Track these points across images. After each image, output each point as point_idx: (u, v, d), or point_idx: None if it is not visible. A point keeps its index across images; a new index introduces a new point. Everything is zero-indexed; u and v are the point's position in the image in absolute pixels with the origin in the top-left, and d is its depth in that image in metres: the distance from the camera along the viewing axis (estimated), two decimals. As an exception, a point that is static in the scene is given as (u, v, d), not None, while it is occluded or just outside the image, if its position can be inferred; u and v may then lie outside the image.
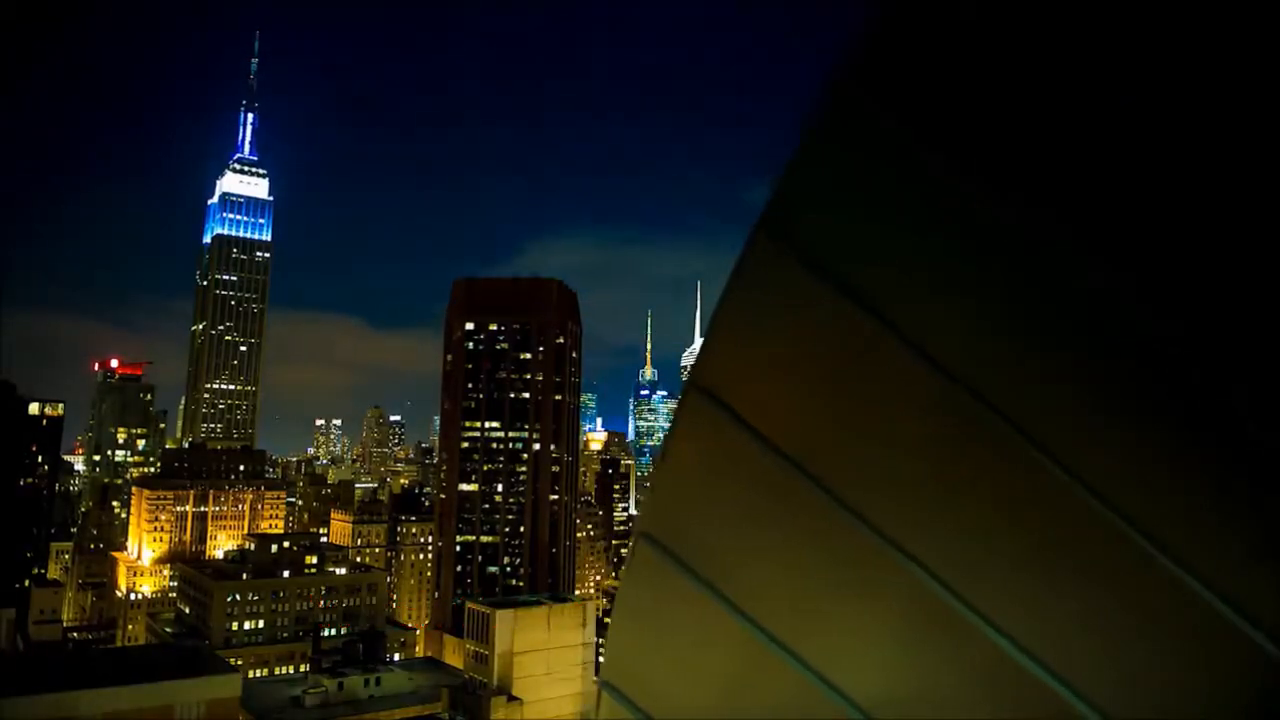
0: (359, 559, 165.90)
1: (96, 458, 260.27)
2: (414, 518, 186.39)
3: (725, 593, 2.97)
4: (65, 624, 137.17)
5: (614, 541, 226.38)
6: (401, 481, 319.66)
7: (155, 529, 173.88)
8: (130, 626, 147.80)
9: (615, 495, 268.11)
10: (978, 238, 2.45)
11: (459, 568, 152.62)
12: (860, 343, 2.59)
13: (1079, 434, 2.54)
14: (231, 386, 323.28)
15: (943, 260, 2.50)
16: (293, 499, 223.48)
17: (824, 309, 2.60)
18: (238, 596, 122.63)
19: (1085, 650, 2.75)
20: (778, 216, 2.54)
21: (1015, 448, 2.53)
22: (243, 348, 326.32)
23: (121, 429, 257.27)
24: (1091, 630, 2.71)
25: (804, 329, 2.66)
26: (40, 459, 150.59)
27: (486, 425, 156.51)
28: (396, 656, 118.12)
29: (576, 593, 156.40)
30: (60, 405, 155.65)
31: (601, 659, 3.37)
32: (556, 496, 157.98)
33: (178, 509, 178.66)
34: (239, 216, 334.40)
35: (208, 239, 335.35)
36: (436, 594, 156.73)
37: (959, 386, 2.52)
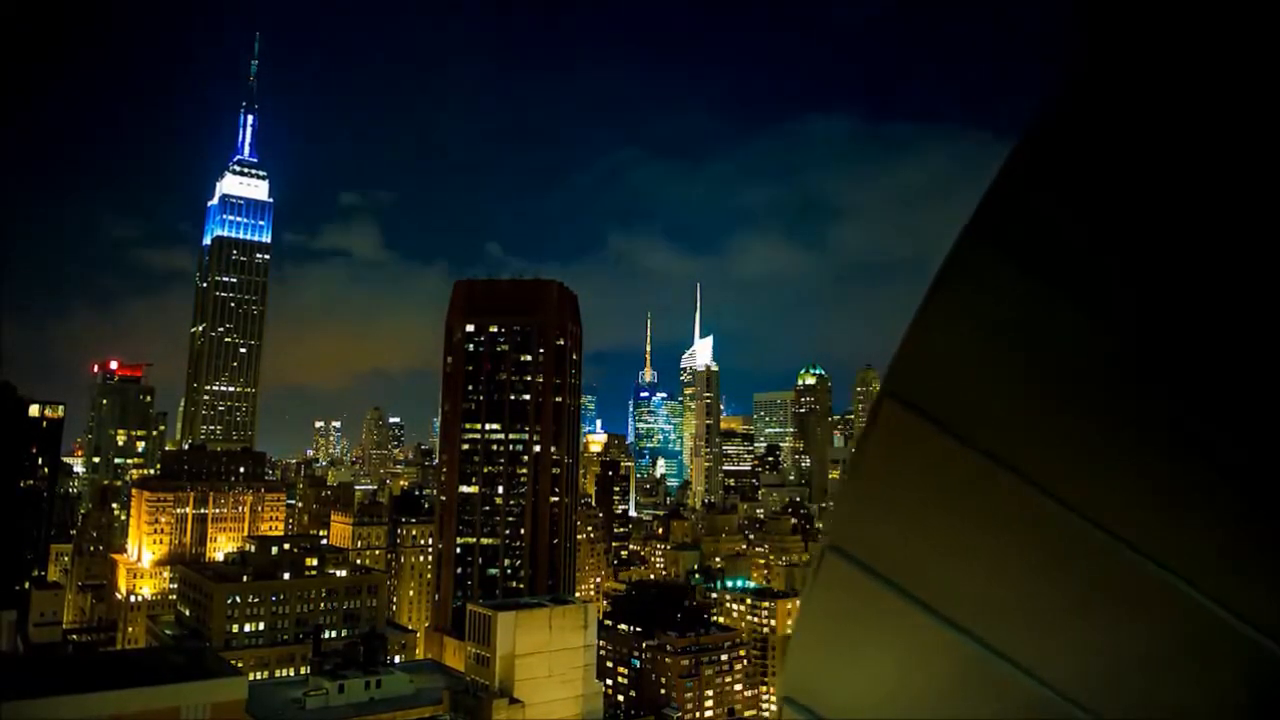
0: (359, 561, 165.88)
1: (96, 459, 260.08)
2: (414, 520, 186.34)
3: (933, 604, 2.92)
4: (65, 626, 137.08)
5: (614, 543, 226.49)
6: (401, 483, 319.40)
7: (155, 531, 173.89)
8: (130, 628, 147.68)
9: (615, 497, 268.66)
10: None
11: (459, 570, 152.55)
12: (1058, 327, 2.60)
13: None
14: (231, 388, 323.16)
15: None
16: (292, 501, 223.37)
17: (1015, 303, 2.60)
18: (238, 598, 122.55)
19: None
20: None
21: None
22: (242, 349, 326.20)
23: (121, 430, 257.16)
24: None
25: (1001, 323, 2.65)
26: (40, 461, 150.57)
27: (487, 427, 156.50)
28: (397, 659, 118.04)
29: (577, 594, 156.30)
30: (60, 407, 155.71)
31: (782, 673, 3.38)
32: (557, 498, 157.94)
33: (177, 511, 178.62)
34: (239, 218, 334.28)
35: (207, 240, 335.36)
36: (437, 596, 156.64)
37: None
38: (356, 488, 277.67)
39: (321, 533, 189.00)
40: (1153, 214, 2.54)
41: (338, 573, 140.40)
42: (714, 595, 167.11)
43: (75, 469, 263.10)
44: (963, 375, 2.75)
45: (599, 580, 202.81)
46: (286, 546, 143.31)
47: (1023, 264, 2.59)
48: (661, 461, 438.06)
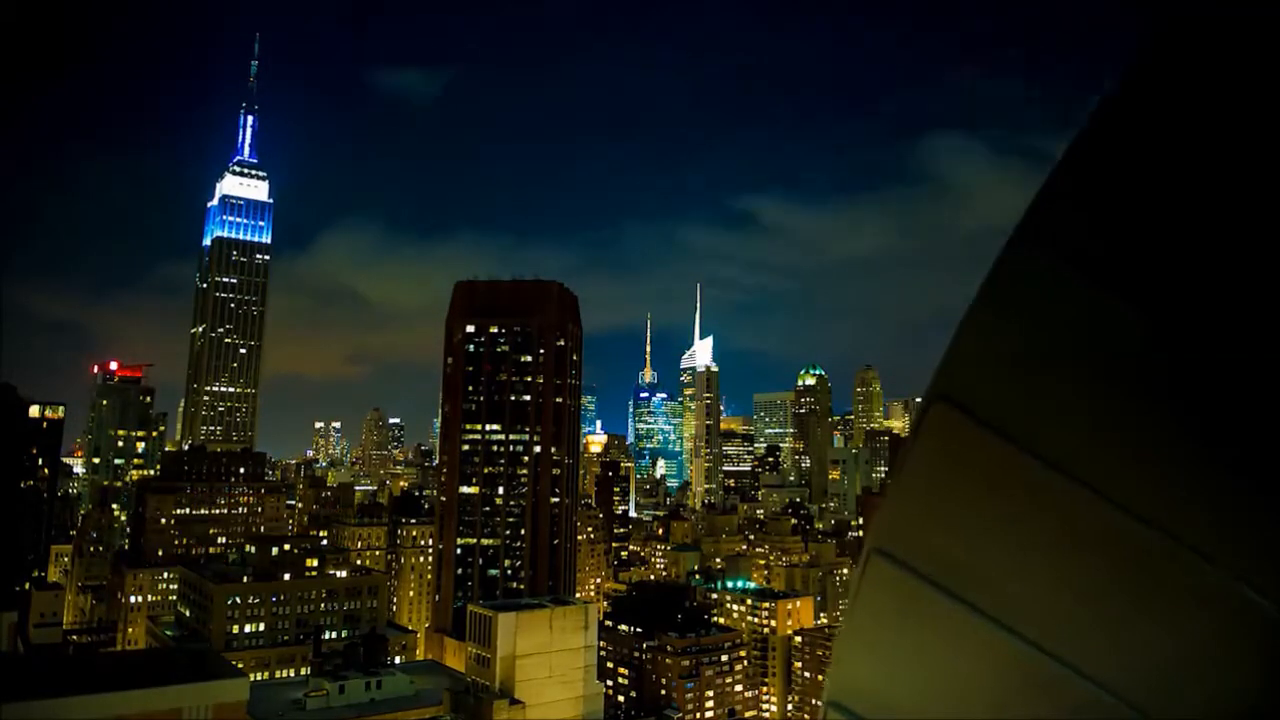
0: (359, 562, 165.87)
1: (96, 460, 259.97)
2: (414, 520, 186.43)
3: (982, 606, 2.89)
4: (65, 627, 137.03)
5: (614, 544, 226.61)
6: (401, 484, 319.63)
7: (155, 531, 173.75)
8: (130, 629, 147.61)
9: (615, 497, 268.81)
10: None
11: (459, 570, 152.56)
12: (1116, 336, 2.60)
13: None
14: (231, 389, 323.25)
15: None
16: (292, 501, 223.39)
17: (1070, 304, 2.59)
18: (238, 599, 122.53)
19: None
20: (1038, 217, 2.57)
21: None
22: (242, 350, 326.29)
23: (121, 431, 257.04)
24: None
25: (1055, 324, 2.65)
26: (40, 461, 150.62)
27: (487, 428, 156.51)
28: (398, 659, 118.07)
29: (577, 595, 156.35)
30: (60, 408, 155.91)
31: (829, 678, 3.39)
32: (557, 499, 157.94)
33: (177, 511, 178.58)
34: (239, 219, 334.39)
35: (207, 241, 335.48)
36: (437, 597, 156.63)
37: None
38: (356, 488, 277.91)
39: (322, 534, 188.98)
40: (1212, 212, 2.52)
41: (338, 573, 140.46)
42: (714, 596, 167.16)
43: (75, 470, 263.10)
44: (1015, 378, 2.74)
45: (599, 581, 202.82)
46: (287, 547, 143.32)
47: (1077, 265, 2.58)
48: (661, 462, 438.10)
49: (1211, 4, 2.46)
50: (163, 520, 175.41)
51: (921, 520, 2.96)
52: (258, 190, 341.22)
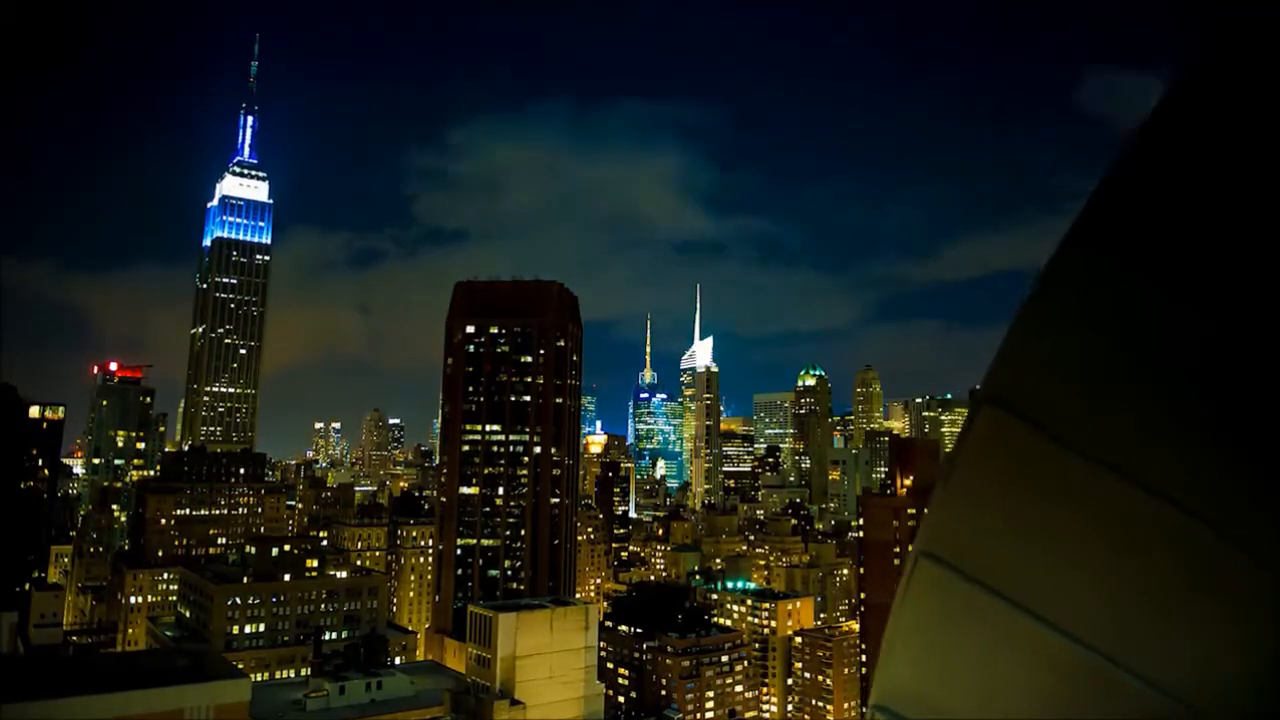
0: (359, 562, 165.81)
1: (96, 461, 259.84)
2: (414, 521, 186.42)
3: (1035, 608, 2.91)
4: (65, 627, 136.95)
5: (614, 544, 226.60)
6: (401, 484, 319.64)
7: (155, 532, 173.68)
8: (130, 630, 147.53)
9: (615, 498, 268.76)
10: None
11: (459, 571, 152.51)
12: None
13: None
14: (231, 389, 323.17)
15: None
16: (292, 502, 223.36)
17: (1125, 305, 2.61)
18: (238, 600, 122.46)
19: None
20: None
21: None
22: (242, 350, 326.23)
23: (121, 432, 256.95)
24: None
25: (1110, 325, 2.67)
26: (40, 462, 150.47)
27: (487, 428, 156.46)
28: (398, 660, 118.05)
29: (577, 596, 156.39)
30: (61, 408, 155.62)
31: (875, 683, 3.41)
32: (557, 500, 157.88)
33: (177, 512, 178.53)
34: (239, 219, 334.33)
35: (207, 242, 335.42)
36: (437, 597, 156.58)
37: None
38: (356, 489, 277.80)
39: (322, 534, 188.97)
40: (1269, 209, 2.51)
41: (338, 574, 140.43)
42: (714, 596, 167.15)
43: (75, 470, 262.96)
44: (1069, 381, 2.75)
45: (599, 581, 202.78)
46: (287, 548, 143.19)
47: (1136, 266, 2.59)
48: (661, 462, 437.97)
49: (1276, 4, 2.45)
50: (163, 521, 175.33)
51: (972, 523, 2.97)
52: (258, 191, 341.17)
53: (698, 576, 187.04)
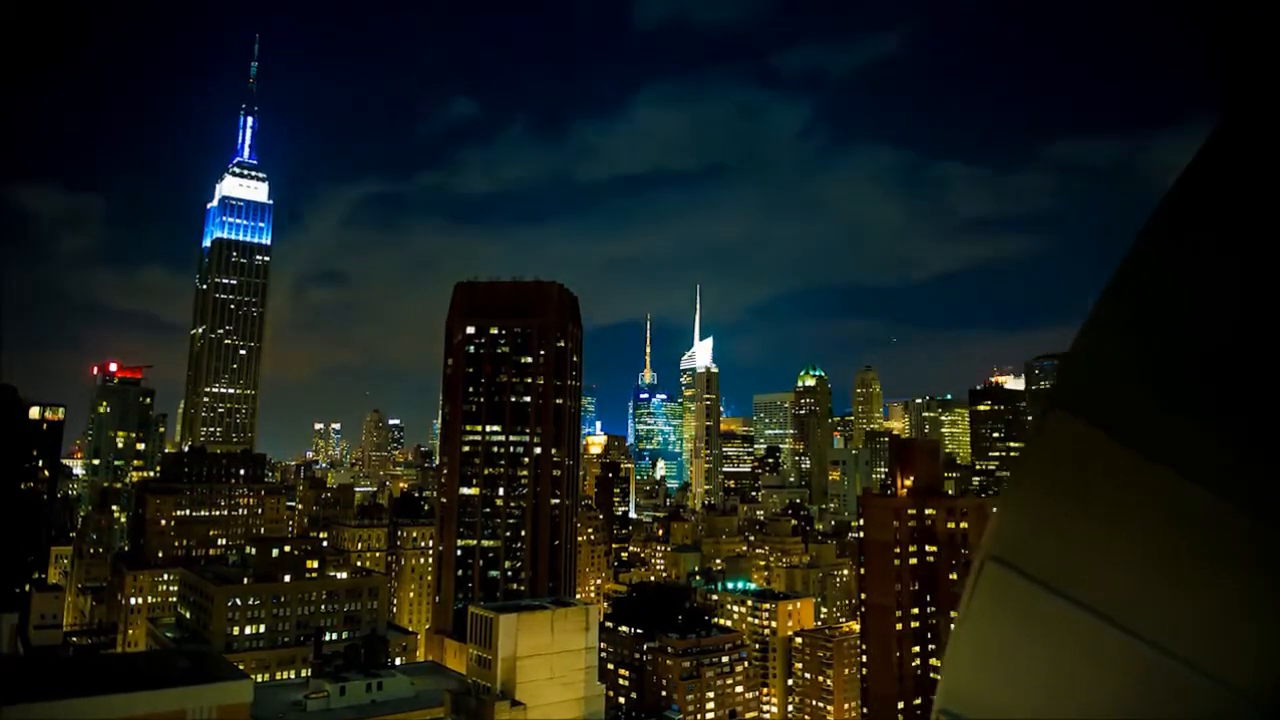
0: (359, 563, 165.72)
1: (96, 461, 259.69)
2: (414, 521, 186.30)
3: (1105, 610, 2.93)
4: (65, 629, 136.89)
5: (614, 545, 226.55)
6: (401, 485, 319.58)
7: (155, 533, 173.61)
8: (130, 631, 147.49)
9: (615, 498, 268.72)
10: None
11: (460, 572, 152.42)
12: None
13: None
14: (231, 390, 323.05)
15: None
16: (292, 503, 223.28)
17: (1198, 307, 2.61)
18: (238, 601, 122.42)
19: None
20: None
21: None
22: (242, 351, 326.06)
23: (121, 433, 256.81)
24: None
25: (1183, 328, 2.67)
26: (40, 463, 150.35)
27: (487, 429, 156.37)
28: (398, 661, 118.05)
29: (578, 596, 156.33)
30: (61, 409, 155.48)
31: (941, 686, 3.44)
32: (557, 500, 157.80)
33: (177, 513, 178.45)
34: (239, 220, 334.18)
35: (207, 243, 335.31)
36: (437, 598, 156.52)
37: None
38: (356, 490, 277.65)
39: (322, 535, 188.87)
40: None
41: (338, 575, 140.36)
42: (714, 597, 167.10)
43: (75, 471, 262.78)
44: (1141, 384, 2.74)
45: (599, 582, 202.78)
46: (287, 549, 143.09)
47: (1213, 267, 2.57)
48: (661, 463, 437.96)
49: None
50: (163, 522, 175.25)
51: (1041, 527, 2.97)
52: (257, 191, 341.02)
53: (698, 577, 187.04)
